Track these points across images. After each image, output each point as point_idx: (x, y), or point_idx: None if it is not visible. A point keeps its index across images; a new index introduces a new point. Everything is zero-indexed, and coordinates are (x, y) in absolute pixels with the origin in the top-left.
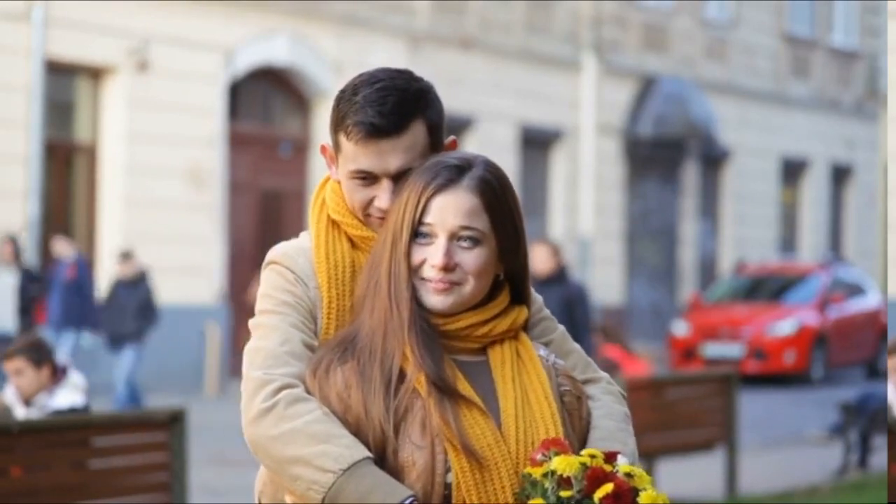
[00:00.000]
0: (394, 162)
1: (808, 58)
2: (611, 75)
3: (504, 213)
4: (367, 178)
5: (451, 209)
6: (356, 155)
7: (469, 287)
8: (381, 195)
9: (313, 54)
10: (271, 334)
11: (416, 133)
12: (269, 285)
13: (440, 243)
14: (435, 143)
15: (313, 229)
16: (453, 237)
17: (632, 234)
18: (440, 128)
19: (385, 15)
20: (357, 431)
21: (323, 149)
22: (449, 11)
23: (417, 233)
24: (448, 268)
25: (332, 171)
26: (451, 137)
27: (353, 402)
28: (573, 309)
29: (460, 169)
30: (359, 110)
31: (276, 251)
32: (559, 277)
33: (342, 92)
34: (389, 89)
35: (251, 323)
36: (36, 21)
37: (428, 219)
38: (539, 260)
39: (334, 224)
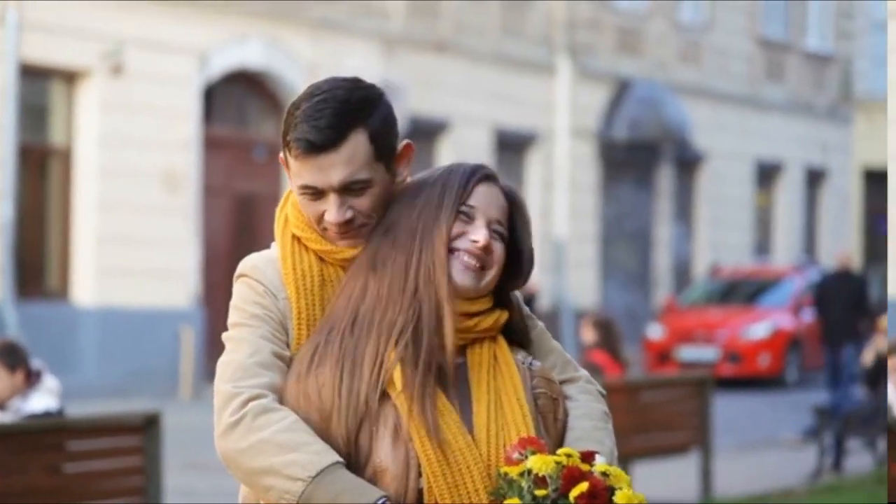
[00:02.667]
0: (335, 175)
1: (782, 61)
2: (585, 78)
3: (522, 226)
4: (315, 192)
5: (493, 200)
6: (300, 170)
7: (490, 275)
8: (330, 209)
9: (287, 58)
10: (241, 347)
11: (356, 144)
12: (239, 298)
13: (481, 224)
14: (380, 150)
15: (279, 242)
16: (489, 225)
17: (606, 238)
18: (387, 134)
19: (359, 18)
20: (331, 425)
21: (281, 160)
22: (423, 14)
23: (459, 210)
24: (488, 249)
25: (291, 183)
26: (406, 141)
27: (326, 397)
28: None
29: (493, 175)
30: (297, 126)
31: (246, 263)
32: None
33: (290, 105)
34: (327, 101)
35: (224, 336)
36: (10, 24)
37: (472, 201)
38: None
39: (298, 238)
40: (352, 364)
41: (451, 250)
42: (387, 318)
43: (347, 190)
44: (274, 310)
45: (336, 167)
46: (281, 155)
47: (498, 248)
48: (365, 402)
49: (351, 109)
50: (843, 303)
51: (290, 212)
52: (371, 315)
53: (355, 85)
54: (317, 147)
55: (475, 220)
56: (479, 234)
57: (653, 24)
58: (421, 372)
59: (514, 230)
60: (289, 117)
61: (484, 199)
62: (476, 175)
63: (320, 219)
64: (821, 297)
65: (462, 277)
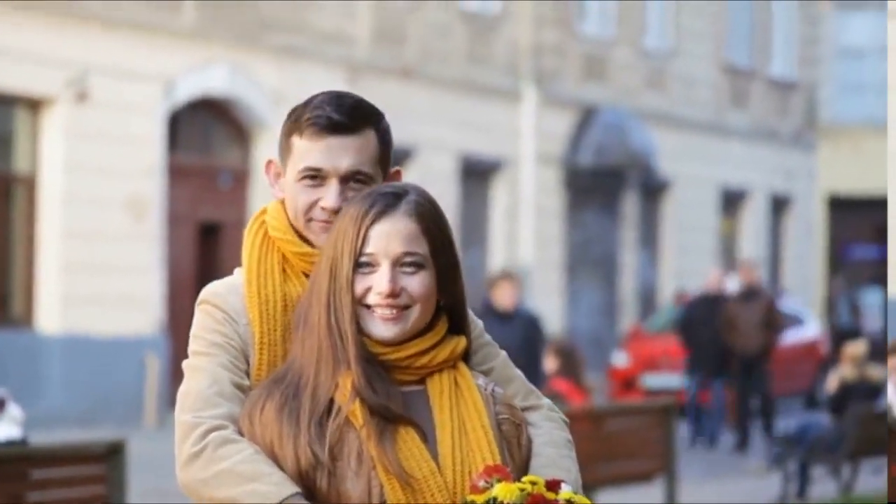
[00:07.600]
0: (345, 160)
1: (746, 88)
2: (550, 105)
3: (442, 239)
4: (316, 177)
5: (392, 236)
6: (308, 150)
7: (416, 312)
8: (328, 195)
9: (252, 85)
10: (199, 376)
11: (369, 138)
12: (199, 326)
13: (384, 270)
14: (382, 157)
15: (245, 262)
16: (396, 263)
17: (572, 265)
18: (389, 146)
19: (324, 45)
20: (284, 468)
21: (269, 165)
22: (388, 41)
23: (359, 263)
24: (394, 294)
25: (275, 191)
26: (396, 168)
27: (275, 436)
28: (532, 340)
29: (396, 196)
30: (316, 108)
31: (207, 290)
32: (518, 310)
33: (297, 106)
34: (347, 96)
35: (183, 365)
36: None
37: (369, 248)
38: (508, 295)
39: (267, 253)
40: (295, 418)
41: (366, 307)
42: (321, 374)
43: (348, 181)
44: (234, 337)
45: (347, 152)
46: (270, 159)
47: (415, 282)
48: (312, 455)
49: (368, 106)
50: (711, 330)
51: (268, 217)
52: (310, 369)
53: (363, 98)
54: (336, 126)
55: (378, 266)
56: (381, 284)
57: (618, 51)
58: (377, 407)
59: (433, 243)
60: (301, 108)
61: (382, 240)
62: (368, 216)
63: (311, 207)
64: (686, 324)
65: (383, 331)
